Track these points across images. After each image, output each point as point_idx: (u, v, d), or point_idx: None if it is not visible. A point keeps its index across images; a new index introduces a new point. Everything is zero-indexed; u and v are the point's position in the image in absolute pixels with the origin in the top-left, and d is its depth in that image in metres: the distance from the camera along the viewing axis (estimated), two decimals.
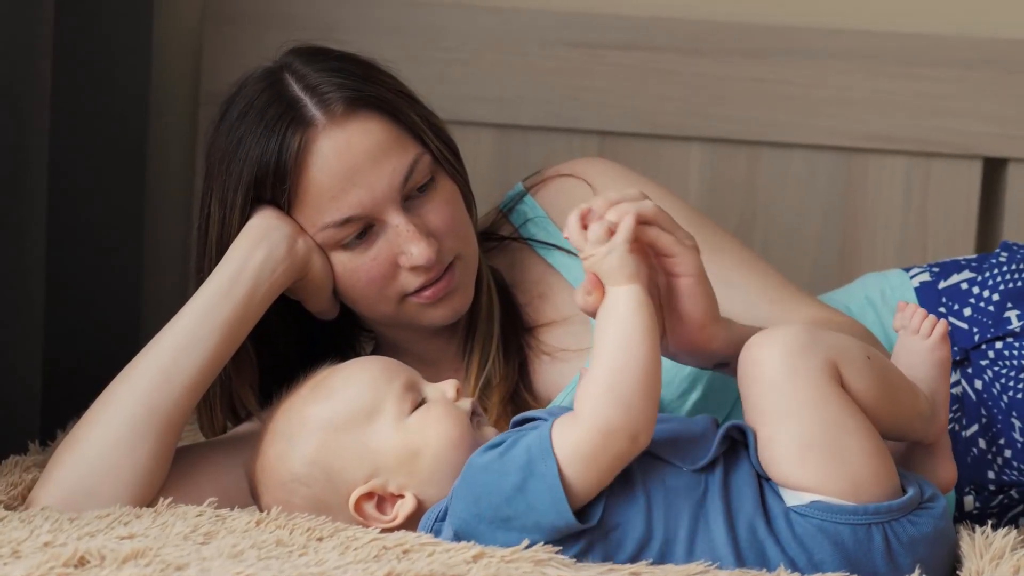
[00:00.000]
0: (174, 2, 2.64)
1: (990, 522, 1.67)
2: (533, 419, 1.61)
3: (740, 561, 1.52)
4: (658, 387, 1.54)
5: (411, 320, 1.86)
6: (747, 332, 1.63)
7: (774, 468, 1.55)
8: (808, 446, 1.53)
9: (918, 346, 1.67)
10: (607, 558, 1.53)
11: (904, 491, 1.56)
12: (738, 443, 1.58)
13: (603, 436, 1.51)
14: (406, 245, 1.80)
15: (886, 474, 1.55)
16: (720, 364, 1.67)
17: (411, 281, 1.82)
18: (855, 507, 1.52)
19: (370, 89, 1.81)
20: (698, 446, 1.58)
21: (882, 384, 1.59)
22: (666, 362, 1.84)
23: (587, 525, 1.52)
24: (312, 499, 1.62)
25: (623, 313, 1.54)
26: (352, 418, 1.61)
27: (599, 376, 1.53)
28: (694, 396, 1.86)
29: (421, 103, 1.88)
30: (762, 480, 1.56)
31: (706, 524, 1.53)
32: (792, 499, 1.54)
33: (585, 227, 1.57)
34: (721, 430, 1.57)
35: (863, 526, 1.52)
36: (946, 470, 1.66)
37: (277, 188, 1.79)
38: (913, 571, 1.52)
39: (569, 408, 1.56)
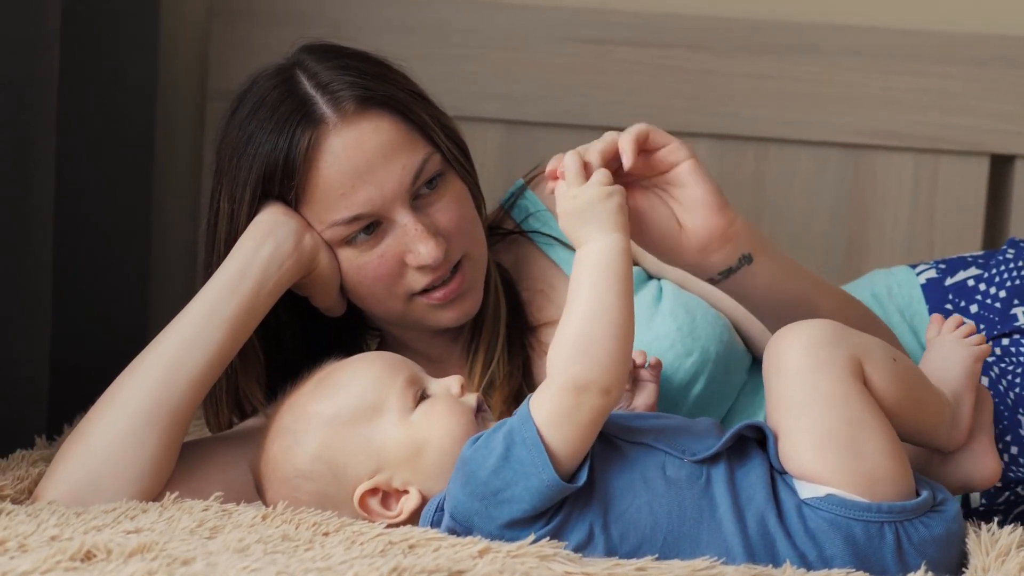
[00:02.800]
0: None
1: (996, 519, 1.67)
2: None
3: (749, 553, 1.52)
4: (630, 339, 1.54)
5: (419, 320, 1.86)
6: (758, 233, 1.69)
7: (792, 459, 1.55)
8: (827, 438, 1.54)
9: (956, 354, 1.68)
10: (609, 543, 1.53)
11: (918, 494, 1.56)
12: (749, 440, 1.59)
13: (576, 393, 1.52)
14: (414, 244, 1.80)
15: (902, 474, 1.55)
16: (744, 259, 1.68)
17: (418, 280, 1.82)
18: (869, 504, 1.53)
19: (382, 88, 1.81)
20: (699, 442, 1.58)
21: (906, 387, 1.59)
22: (669, 354, 1.85)
23: (574, 485, 1.52)
24: (316, 494, 1.62)
25: (604, 264, 1.55)
26: (356, 414, 1.62)
27: (570, 333, 1.54)
28: (697, 388, 1.86)
29: (432, 102, 1.88)
30: (776, 476, 1.56)
31: (713, 514, 1.54)
32: (807, 491, 1.54)
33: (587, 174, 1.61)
34: (735, 428, 1.57)
35: (876, 523, 1.53)
36: (986, 465, 1.67)
37: (285, 184, 1.79)
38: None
39: None
